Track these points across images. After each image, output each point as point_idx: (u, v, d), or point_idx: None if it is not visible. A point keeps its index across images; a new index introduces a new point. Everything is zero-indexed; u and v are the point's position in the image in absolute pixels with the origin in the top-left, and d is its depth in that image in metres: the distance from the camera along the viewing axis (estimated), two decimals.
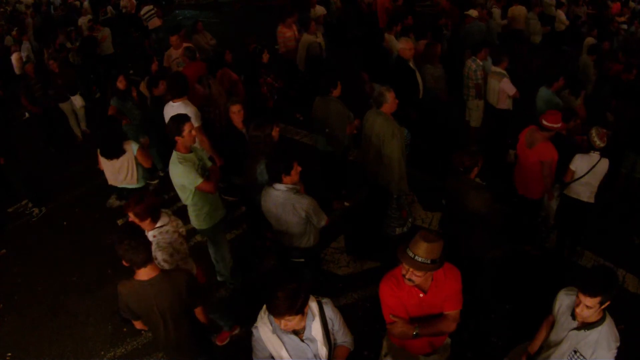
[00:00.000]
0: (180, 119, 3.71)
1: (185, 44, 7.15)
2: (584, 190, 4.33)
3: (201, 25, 8.57)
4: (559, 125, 4.24)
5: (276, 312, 2.32)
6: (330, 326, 2.60)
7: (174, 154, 3.77)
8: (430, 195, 5.56)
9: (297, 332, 2.52)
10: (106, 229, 5.72)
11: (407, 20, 8.02)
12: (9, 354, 4.25)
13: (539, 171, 4.27)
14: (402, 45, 5.82)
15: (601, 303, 2.40)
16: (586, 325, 2.52)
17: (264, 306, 2.52)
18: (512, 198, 4.82)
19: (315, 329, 2.53)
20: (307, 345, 2.54)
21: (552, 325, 2.80)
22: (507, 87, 5.82)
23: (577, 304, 2.46)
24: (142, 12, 12.06)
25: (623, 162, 5.46)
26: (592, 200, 4.38)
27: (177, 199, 4.12)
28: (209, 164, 4.07)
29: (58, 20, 13.37)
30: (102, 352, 4.15)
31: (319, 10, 9.90)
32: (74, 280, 4.99)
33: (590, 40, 8.35)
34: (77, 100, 7.95)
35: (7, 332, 4.50)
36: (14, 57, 9.85)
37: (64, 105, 7.78)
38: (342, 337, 2.69)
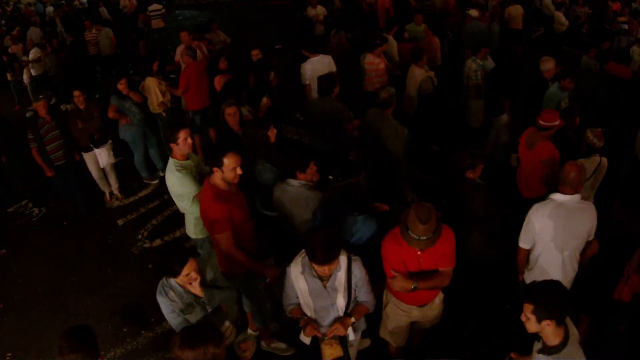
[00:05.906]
0: (175, 127, 3.63)
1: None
2: (585, 191, 4.29)
3: (215, 24, 8.64)
4: (555, 123, 4.14)
5: (323, 261, 2.51)
6: (353, 281, 2.75)
7: (171, 161, 3.69)
8: (430, 195, 5.55)
9: (322, 279, 2.70)
10: (106, 229, 5.73)
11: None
12: (9, 354, 4.25)
13: (541, 172, 4.22)
14: (550, 66, 5.62)
15: (536, 315, 2.25)
16: (546, 350, 2.34)
17: (302, 251, 2.75)
18: (512, 198, 4.81)
19: (339, 280, 2.72)
20: (328, 292, 2.73)
21: None
22: None
23: None
24: (149, 9, 12.17)
25: (623, 162, 5.45)
26: (591, 200, 4.35)
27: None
28: (207, 169, 3.99)
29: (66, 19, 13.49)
30: (102, 352, 4.13)
31: (320, 10, 9.93)
32: (74, 280, 4.99)
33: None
34: (103, 156, 5.75)
35: (7, 332, 4.50)
36: (17, 47, 9.92)
37: (87, 155, 5.78)
38: (364, 296, 2.82)
